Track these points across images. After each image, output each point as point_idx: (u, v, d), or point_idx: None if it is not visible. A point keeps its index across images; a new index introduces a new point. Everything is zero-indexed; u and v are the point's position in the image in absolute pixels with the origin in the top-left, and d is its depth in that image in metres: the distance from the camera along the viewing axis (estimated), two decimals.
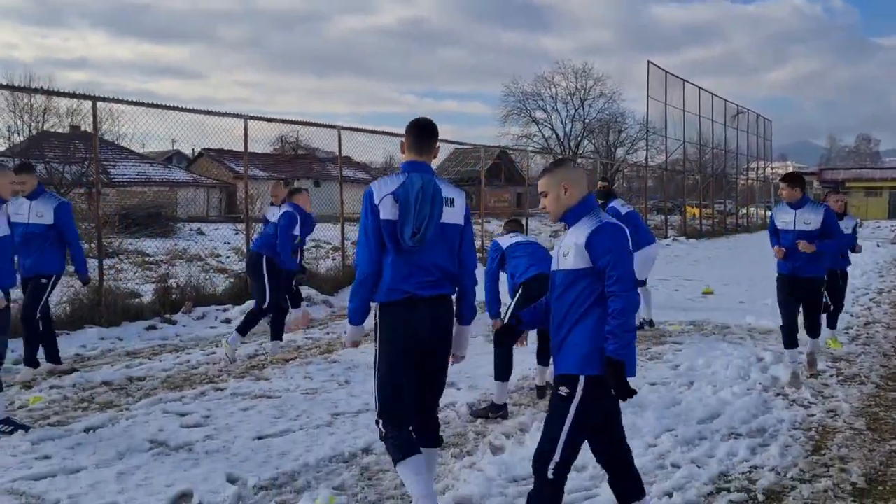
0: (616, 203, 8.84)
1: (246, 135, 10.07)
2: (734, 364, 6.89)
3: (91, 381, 6.25)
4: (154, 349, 7.56)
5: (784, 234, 6.32)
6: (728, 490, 4.11)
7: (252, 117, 10.17)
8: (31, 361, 6.31)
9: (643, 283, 8.65)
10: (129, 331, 8.18)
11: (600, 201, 6.80)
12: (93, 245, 9.26)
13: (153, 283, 10.35)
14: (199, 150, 50.42)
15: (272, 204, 8.56)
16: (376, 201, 3.42)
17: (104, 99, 9.05)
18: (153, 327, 8.34)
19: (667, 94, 25.54)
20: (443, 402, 5.49)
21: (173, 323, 8.59)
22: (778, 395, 6.02)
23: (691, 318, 9.55)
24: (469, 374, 6.63)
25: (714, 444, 4.82)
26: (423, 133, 3.61)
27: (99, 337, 7.81)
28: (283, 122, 12.25)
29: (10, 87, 11.40)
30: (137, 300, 9.12)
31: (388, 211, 3.40)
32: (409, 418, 3.52)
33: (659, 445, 4.74)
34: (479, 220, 17.39)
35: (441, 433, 3.81)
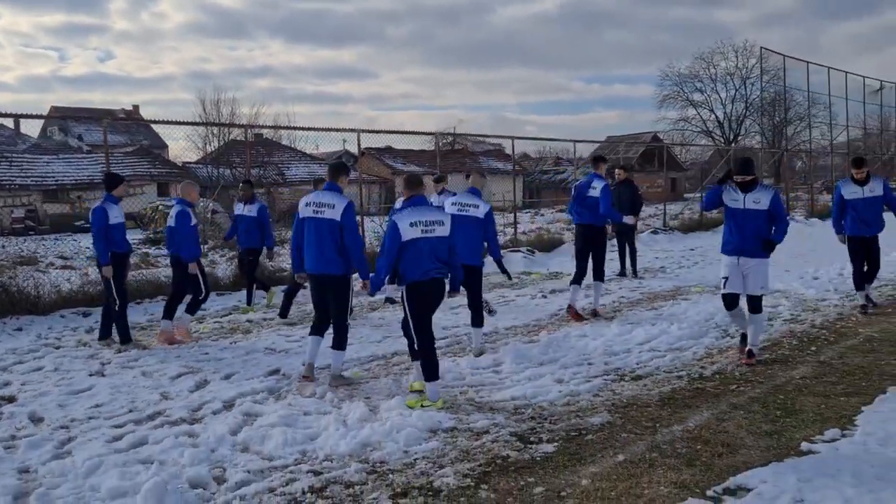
0: None
1: (359, 144, 13.01)
2: (706, 310, 8.88)
3: (240, 319, 9.37)
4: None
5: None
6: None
7: (364, 131, 13.10)
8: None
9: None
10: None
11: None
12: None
13: None
14: (363, 149, 54.99)
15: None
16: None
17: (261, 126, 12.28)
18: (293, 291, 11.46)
19: (785, 77, 25.83)
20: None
21: (305, 287, 11.66)
22: (718, 328, 8.02)
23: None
24: None
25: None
26: (329, 170, 6.57)
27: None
28: (390, 132, 15.03)
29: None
30: (282, 274, 12.31)
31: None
32: None
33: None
34: None
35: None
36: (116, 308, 7.97)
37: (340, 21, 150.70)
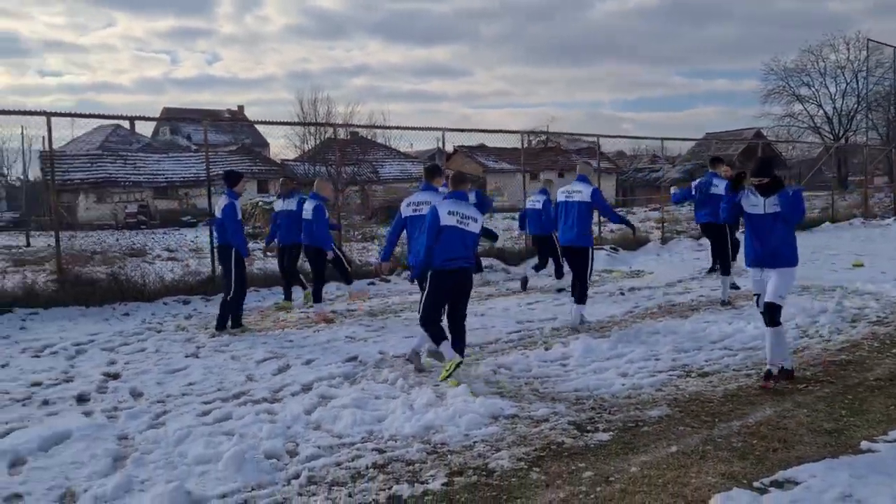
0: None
1: (443, 143, 13.36)
2: (787, 311, 8.72)
3: (323, 309, 9.86)
4: (369, 296, 11.09)
5: None
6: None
7: (449, 129, 13.45)
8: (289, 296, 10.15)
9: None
10: (357, 285, 11.82)
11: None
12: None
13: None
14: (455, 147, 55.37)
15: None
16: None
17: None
18: (373, 283, 11.93)
19: None
20: None
21: (388, 281, 12.12)
22: (798, 328, 7.90)
23: (816, 284, 11.02)
24: None
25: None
26: (425, 172, 7.19)
27: (336, 287, 11.52)
28: (474, 131, 15.27)
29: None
30: (367, 268, 12.78)
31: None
32: None
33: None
34: None
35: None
36: (229, 298, 8.48)
37: (435, 20, 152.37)
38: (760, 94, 60.82)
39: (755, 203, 6.00)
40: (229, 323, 8.56)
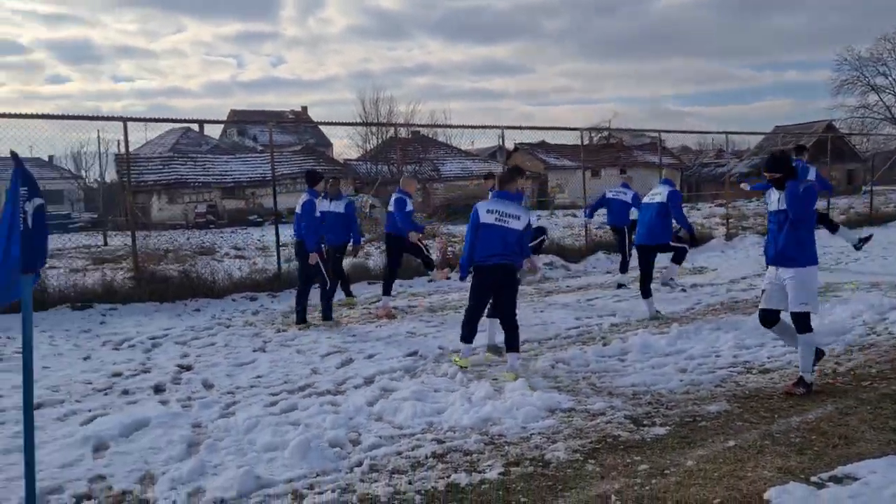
0: None
1: (503, 141, 13.43)
2: (855, 307, 8.54)
3: (387, 304, 10.09)
4: (429, 293, 11.32)
5: None
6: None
7: (507, 127, 13.50)
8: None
9: None
10: (417, 282, 12.05)
11: None
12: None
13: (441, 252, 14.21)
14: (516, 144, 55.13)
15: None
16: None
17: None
18: (433, 280, 12.11)
19: None
20: None
21: (448, 279, 12.27)
22: (865, 325, 7.74)
23: (888, 280, 10.72)
24: None
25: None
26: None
27: (398, 285, 11.73)
28: (534, 128, 15.26)
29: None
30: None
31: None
32: None
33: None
34: None
35: None
36: (327, 288, 9.04)
37: (496, 17, 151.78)
38: (833, 86, 59.07)
39: (771, 199, 5.79)
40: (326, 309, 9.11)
